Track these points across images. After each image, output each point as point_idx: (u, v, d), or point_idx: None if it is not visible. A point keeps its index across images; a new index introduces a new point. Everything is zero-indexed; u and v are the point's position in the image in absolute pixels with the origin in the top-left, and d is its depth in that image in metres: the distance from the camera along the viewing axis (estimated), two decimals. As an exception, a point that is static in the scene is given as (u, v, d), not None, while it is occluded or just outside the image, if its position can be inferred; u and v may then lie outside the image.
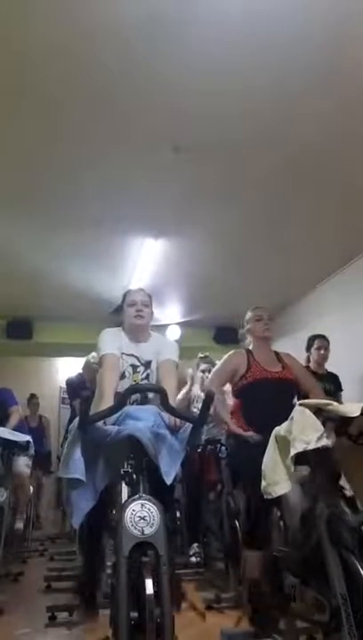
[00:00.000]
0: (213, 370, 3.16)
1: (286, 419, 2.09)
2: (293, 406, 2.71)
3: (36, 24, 2.37)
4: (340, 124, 3.07)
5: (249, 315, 3.00)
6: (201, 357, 4.41)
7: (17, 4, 2.29)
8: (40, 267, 5.00)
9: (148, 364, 2.44)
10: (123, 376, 2.38)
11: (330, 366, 4.20)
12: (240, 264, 5.13)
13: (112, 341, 2.42)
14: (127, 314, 2.49)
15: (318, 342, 4.12)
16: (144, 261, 4.91)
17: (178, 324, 6.61)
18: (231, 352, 2.98)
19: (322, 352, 4.09)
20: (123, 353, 2.42)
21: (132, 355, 2.44)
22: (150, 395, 2.25)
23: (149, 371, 2.44)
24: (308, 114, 2.98)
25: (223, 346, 6.41)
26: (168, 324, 6.49)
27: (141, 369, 2.43)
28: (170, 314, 6.43)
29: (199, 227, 4.38)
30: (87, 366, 4.02)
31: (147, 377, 2.43)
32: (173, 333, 6.38)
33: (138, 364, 2.43)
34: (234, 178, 3.64)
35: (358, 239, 4.47)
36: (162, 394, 1.91)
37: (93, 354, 3.38)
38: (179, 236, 4.53)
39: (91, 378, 3.60)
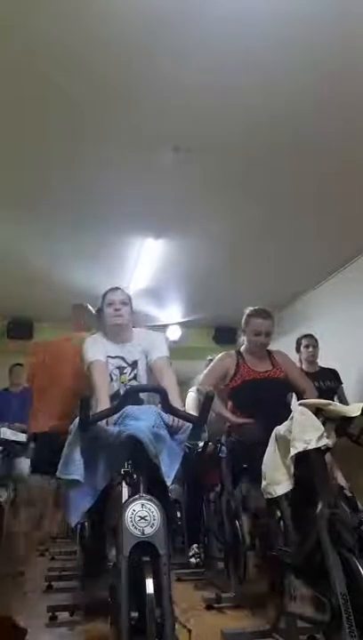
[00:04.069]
0: (204, 371, 3.17)
1: (278, 416, 2.09)
2: (284, 403, 2.73)
3: (37, 22, 2.37)
4: (341, 122, 3.07)
5: (247, 317, 2.94)
6: (209, 360, 4.41)
7: (18, 1, 2.29)
8: (40, 267, 5.00)
9: (134, 364, 2.43)
10: (110, 379, 2.37)
11: (330, 365, 4.21)
12: (240, 264, 5.13)
13: (96, 348, 2.41)
14: (107, 314, 2.47)
15: (306, 341, 4.16)
16: (144, 261, 4.91)
17: (178, 323, 6.60)
18: (221, 354, 3.00)
19: (310, 350, 4.13)
20: (108, 356, 2.41)
21: (117, 356, 2.43)
22: (142, 395, 2.24)
23: (136, 371, 2.42)
24: (309, 112, 2.98)
25: (223, 346, 6.39)
26: (168, 324, 6.49)
27: (128, 370, 2.42)
28: (170, 314, 6.43)
29: (199, 227, 4.38)
30: None
31: (134, 377, 2.41)
32: (173, 333, 6.38)
33: (124, 365, 2.42)
34: (234, 178, 3.64)
35: (358, 239, 4.47)
36: (162, 394, 1.91)
37: None
38: (179, 236, 4.53)
39: None
